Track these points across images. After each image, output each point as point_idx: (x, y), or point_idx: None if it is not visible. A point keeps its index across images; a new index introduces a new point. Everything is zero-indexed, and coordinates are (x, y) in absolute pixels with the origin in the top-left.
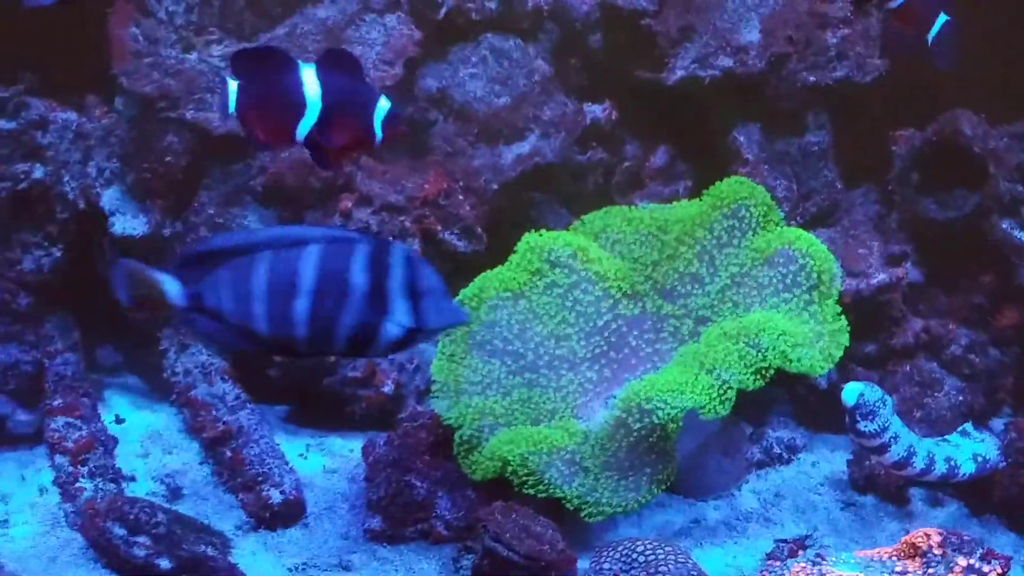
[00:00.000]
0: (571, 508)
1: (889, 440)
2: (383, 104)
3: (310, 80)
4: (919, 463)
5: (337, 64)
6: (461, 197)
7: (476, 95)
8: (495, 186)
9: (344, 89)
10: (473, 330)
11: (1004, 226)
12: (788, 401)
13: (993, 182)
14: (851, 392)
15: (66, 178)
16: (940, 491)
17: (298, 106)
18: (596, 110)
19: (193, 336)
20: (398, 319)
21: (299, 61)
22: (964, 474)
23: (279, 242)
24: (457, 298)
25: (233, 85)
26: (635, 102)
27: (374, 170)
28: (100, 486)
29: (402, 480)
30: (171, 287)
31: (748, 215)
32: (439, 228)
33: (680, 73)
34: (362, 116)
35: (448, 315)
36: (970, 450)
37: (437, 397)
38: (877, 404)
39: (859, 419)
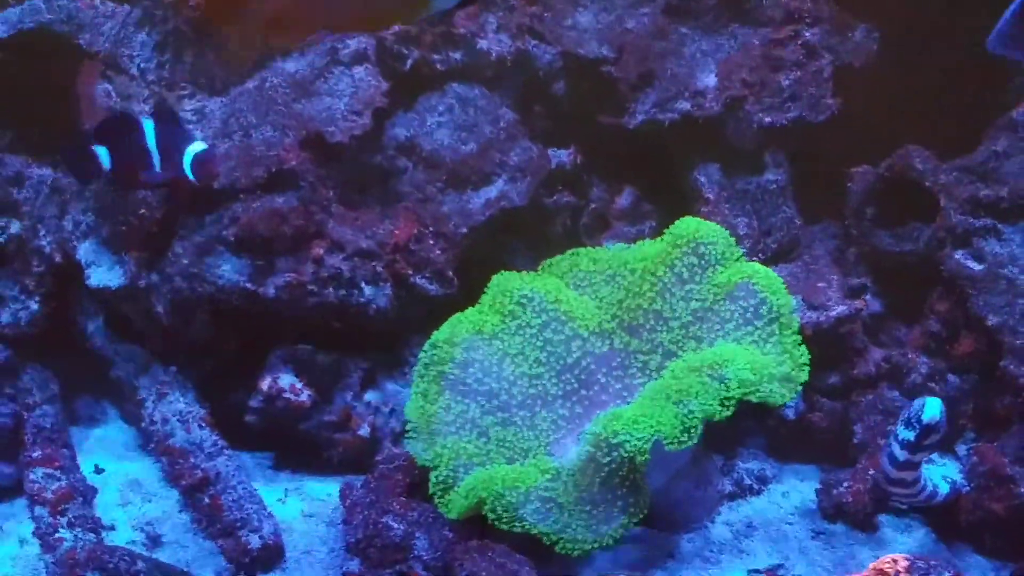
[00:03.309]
0: (547, 544)
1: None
2: (195, 148)
3: (150, 134)
4: (928, 485)
5: (163, 115)
6: (431, 242)
7: (444, 143)
8: (464, 230)
9: (164, 138)
10: (447, 371)
11: (957, 256)
12: (757, 433)
13: (945, 214)
14: (934, 405)
15: (42, 232)
16: (908, 518)
17: (148, 157)
18: (562, 155)
19: None
20: None
21: (141, 119)
22: (941, 495)
23: None
24: (430, 340)
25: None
26: (600, 146)
27: (345, 217)
28: (80, 536)
29: (379, 521)
30: None
31: (708, 252)
32: (411, 272)
33: (641, 117)
34: (175, 161)
35: None
36: (939, 473)
37: (412, 438)
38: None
39: (931, 435)
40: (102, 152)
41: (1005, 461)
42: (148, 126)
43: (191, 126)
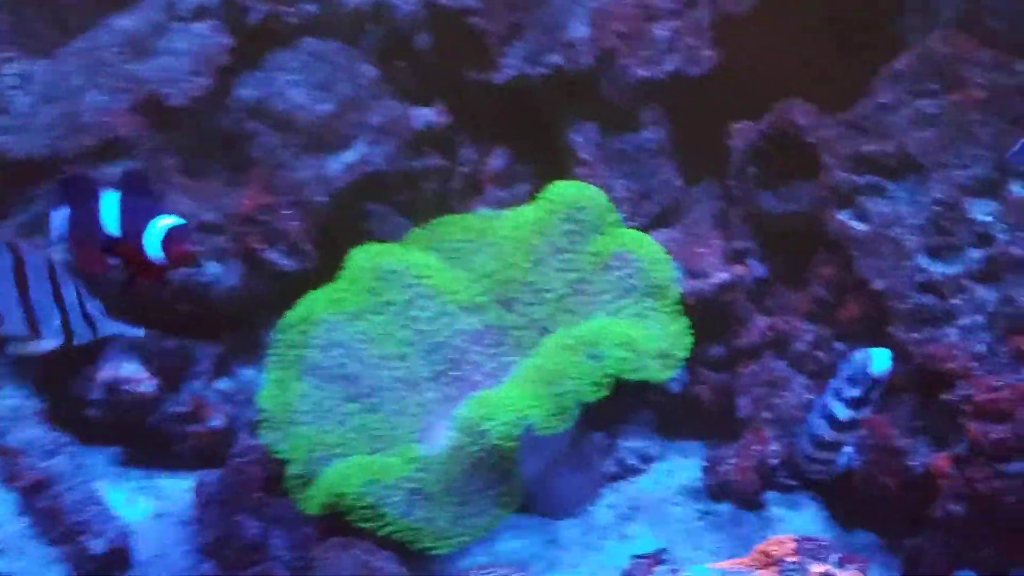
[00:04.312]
0: (415, 546)
1: None
2: (164, 222)
3: (109, 209)
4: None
5: (130, 186)
6: (286, 212)
7: (297, 103)
8: (323, 198)
9: (126, 216)
10: (304, 354)
11: (841, 217)
12: (640, 409)
13: (828, 172)
14: (883, 356)
15: None
16: (797, 494)
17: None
18: (427, 113)
19: None
20: None
21: (100, 190)
22: (839, 466)
23: None
24: (282, 321)
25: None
26: (469, 104)
27: (186, 187)
28: None
29: (233, 520)
30: None
31: (584, 218)
32: (262, 246)
33: (510, 72)
34: (134, 238)
35: None
36: None
37: (267, 429)
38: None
39: (876, 389)
40: (61, 215)
41: (895, 433)
42: (109, 198)
43: (14, 91)
